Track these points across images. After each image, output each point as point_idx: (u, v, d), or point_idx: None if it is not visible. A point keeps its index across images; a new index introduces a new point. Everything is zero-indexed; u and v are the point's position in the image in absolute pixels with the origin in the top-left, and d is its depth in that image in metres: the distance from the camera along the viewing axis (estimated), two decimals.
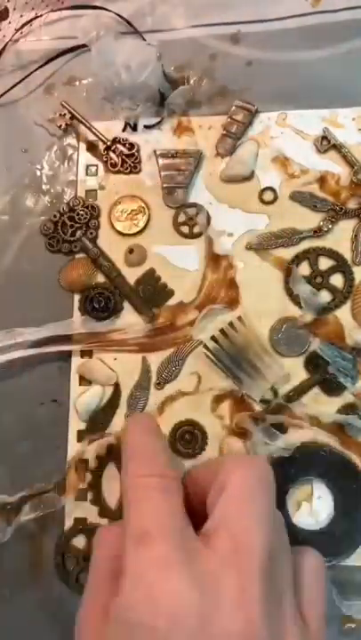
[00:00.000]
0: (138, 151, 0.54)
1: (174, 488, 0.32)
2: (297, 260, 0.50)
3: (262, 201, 0.52)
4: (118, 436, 0.50)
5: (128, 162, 0.54)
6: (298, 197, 0.51)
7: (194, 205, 0.53)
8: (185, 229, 0.52)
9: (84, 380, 0.52)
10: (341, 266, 0.50)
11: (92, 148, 0.55)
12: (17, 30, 0.57)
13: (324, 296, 0.50)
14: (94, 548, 0.35)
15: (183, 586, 0.27)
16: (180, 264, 0.52)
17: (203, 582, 0.27)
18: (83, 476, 0.50)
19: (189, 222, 0.52)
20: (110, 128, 0.55)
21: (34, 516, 0.50)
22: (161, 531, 0.29)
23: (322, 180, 0.51)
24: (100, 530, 0.36)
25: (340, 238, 0.50)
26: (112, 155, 0.54)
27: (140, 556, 0.29)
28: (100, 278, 0.53)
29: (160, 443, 0.36)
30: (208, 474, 0.34)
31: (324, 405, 0.48)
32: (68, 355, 0.52)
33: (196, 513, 0.32)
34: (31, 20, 0.57)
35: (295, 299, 0.50)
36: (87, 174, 0.55)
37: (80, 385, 0.52)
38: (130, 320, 0.52)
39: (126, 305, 0.52)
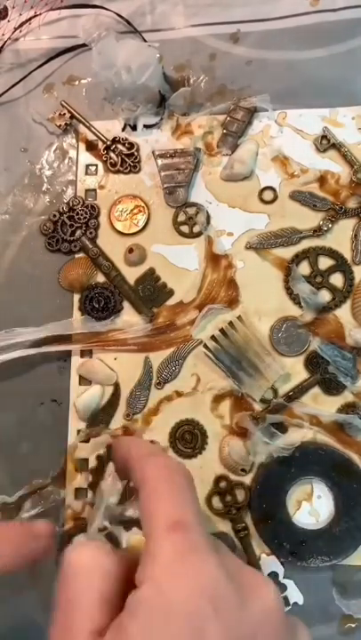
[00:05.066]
0: (137, 151, 0.54)
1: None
2: (297, 259, 0.50)
3: (262, 200, 0.52)
4: (116, 434, 0.50)
5: (128, 161, 0.54)
6: (298, 197, 0.51)
7: (194, 205, 0.52)
8: (185, 229, 0.52)
9: (84, 380, 0.52)
10: (341, 265, 0.50)
11: (91, 147, 0.55)
12: (16, 29, 0.57)
13: (324, 295, 0.50)
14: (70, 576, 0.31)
15: (220, 570, 0.27)
16: (180, 264, 0.52)
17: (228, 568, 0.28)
18: (80, 472, 0.50)
19: (189, 222, 0.52)
20: (110, 128, 0.55)
21: (35, 513, 0.50)
22: (194, 518, 0.29)
23: (322, 180, 0.51)
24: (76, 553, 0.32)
25: (339, 238, 0.50)
26: (112, 154, 0.54)
27: (173, 542, 0.28)
28: (100, 278, 0.53)
29: None
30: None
31: (324, 405, 0.48)
32: (68, 354, 0.52)
33: None
34: (31, 19, 0.57)
35: (295, 298, 0.50)
36: (87, 174, 0.55)
37: (80, 385, 0.52)
38: (130, 320, 0.52)
39: (126, 305, 0.52)
